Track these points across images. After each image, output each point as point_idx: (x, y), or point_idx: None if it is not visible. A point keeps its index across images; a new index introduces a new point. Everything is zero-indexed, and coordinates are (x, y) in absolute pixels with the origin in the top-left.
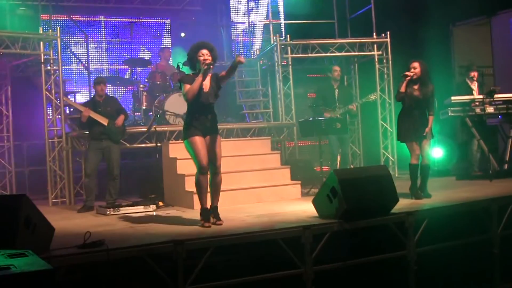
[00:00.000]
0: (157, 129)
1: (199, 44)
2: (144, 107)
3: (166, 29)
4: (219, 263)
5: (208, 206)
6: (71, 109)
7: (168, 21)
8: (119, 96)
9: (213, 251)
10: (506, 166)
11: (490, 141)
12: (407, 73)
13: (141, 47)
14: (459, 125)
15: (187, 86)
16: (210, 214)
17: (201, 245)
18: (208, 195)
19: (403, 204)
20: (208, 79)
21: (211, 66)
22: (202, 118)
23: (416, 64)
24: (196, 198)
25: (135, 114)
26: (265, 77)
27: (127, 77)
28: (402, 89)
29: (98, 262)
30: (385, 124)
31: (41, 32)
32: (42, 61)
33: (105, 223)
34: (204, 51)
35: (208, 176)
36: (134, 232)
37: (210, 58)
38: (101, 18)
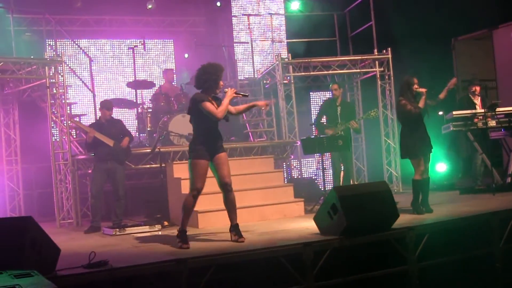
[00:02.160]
0: (161, 150)
1: (221, 67)
2: (148, 129)
3: (170, 51)
4: (222, 281)
5: (186, 228)
6: (78, 132)
7: (171, 42)
8: (124, 118)
9: (216, 269)
10: (509, 180)
11: (494, 155)
12: (423, 90)
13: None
14: (463, 140)
15: (211, 105)
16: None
17: (203, 263)
18: (217, 214)
19: (404, 219)
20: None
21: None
22: (212, 139)
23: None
24: (201, 217)
25: (140, 135)
26: (268, 96)
27: (132, 99)
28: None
29: (103, 281)
30: (388, 140)
31: (46, 57)
32: (48, 85)
33: (110, 243)
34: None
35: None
36: (139, 251)
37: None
38: (105, 41)
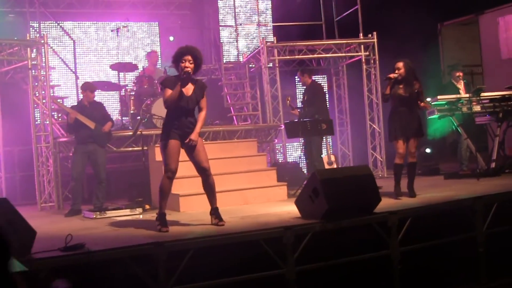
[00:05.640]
0: (143, 132)
1: (183, 49)
2: (132, 111)
3: (155, 33)
4: (201, 265)
5: (165, 211)
6: (59, 115)
7: (156, 24)
8: (107, 101)
9: (195, 252)
10: (493, 165)
11: (480, 140)
12: (390, 75)
13: (127, 51)
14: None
15: (168, 91)
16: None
17: (182, 246)
18: (199, 198)
19: (387, 203)
20: (192, 84)
21: (191, 74)
22: (182, 122)
23: (400, 65)
24: (182, 200)
25: (123, 118)
26: (254, 80)
27: (115, 81)
28: (387, 91)
29: (79, 265)
30: (373, 125)
31: (28, 38)
32: (30, 67)
33: (90, 227)
34: (187, 57)
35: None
36: (117, 235)
37: (192, 65)
38: (89, 23)
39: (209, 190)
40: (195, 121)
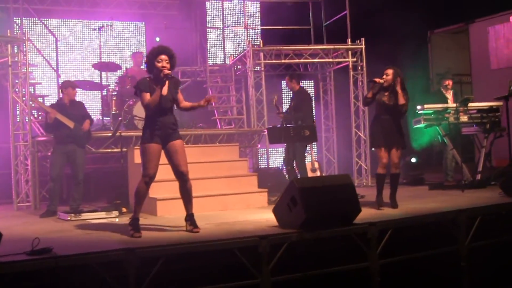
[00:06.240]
0: (122, 134)
1: (159, 49)
2: (113, 112)
3: (141, 33)
4: (174, 272)
5: (139, 216)
6: (40, 114)
7: (143, 25)
8: (89, 100)
9: (167, 259)
10: (479, 177)
11: (466, 150)
12: (376, 79)
13: (112, 50)
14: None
15: (147, 95)
16: (139, 224)
17: (153, 253)
18: (177, 202)
19: (368, 213)
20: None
21: (170, 77)
22: (162, 122)
23: (389, 71)
24: (159, 204)
25: (104, 118)
26: (240, 83)
27: (97, 81)
28: (369, 95)
29: (45, 270)
30: (358, 132)
31: (9, 34)
32: (10, 63)
33: (63, 229)
34: (163, 57)
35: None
36: (88, 239)
37: (168, 65)
38: (73, 21)
39: (186, 195)
40: (175, 119)
